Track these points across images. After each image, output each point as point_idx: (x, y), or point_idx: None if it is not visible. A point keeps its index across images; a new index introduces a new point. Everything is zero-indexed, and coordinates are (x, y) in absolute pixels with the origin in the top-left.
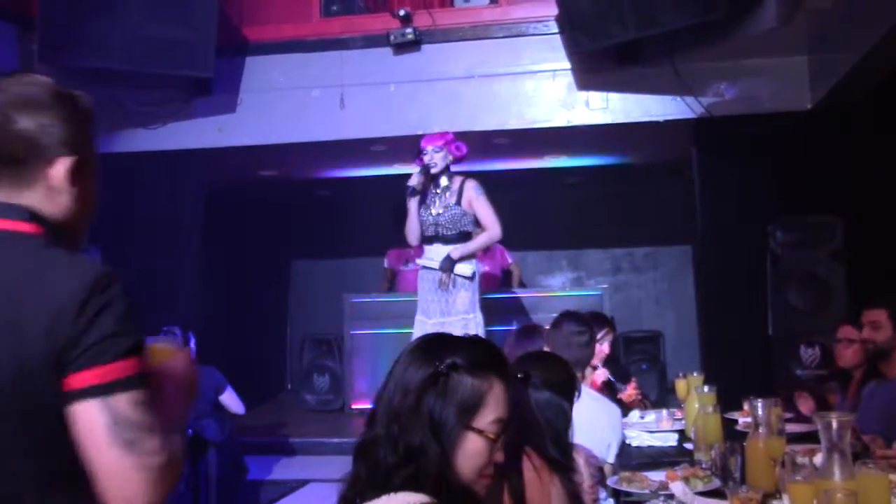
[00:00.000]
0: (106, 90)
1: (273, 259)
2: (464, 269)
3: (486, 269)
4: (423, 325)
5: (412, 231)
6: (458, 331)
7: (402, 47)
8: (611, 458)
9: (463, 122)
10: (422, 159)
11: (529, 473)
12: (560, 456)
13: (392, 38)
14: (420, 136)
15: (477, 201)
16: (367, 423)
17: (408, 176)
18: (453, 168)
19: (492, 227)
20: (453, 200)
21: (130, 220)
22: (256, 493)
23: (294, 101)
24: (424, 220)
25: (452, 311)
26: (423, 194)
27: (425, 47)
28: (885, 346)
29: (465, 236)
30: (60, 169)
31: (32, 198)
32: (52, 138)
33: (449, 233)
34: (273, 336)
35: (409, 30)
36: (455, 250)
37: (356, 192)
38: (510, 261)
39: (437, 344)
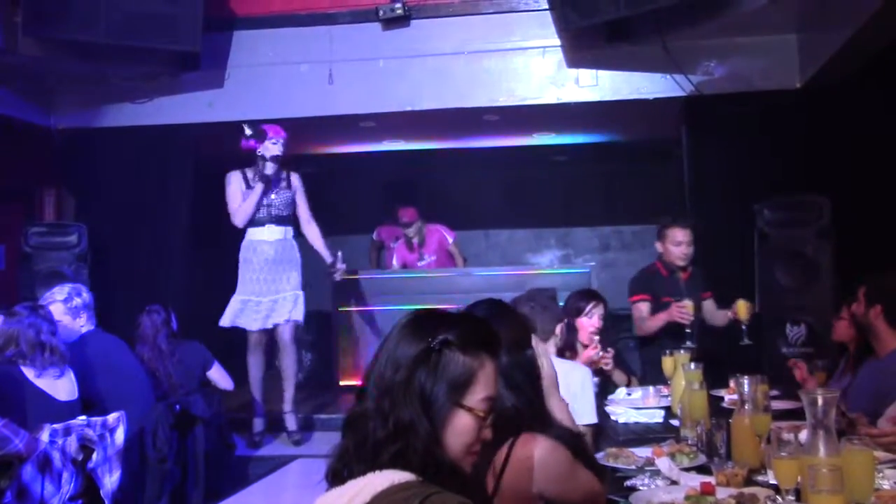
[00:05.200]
0: (91, 64)
1: None
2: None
3: (434, 258)
4: (254, 305)
5: (246, 213)
6: (289, 305)
7: (392, 22)
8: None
9: (452, 98)
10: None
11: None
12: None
13: (381, 12)
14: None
15: (300, 192)
16: (357, 397)
17: (399, 153)
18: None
19: (311, 219)
20: (285, 185)
21: (117, 196)
22: (244, 468)
23: (282, 77)
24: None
25: (289, 288)
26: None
27: (414, 22)
28: (862, 321)
29: (293, 221)
30: None
31: None
32: None
33: (284, 215)
34: None
35: (398, 4)
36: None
37: (344, 168)
38: (451, 240)
39: (431, 320)
